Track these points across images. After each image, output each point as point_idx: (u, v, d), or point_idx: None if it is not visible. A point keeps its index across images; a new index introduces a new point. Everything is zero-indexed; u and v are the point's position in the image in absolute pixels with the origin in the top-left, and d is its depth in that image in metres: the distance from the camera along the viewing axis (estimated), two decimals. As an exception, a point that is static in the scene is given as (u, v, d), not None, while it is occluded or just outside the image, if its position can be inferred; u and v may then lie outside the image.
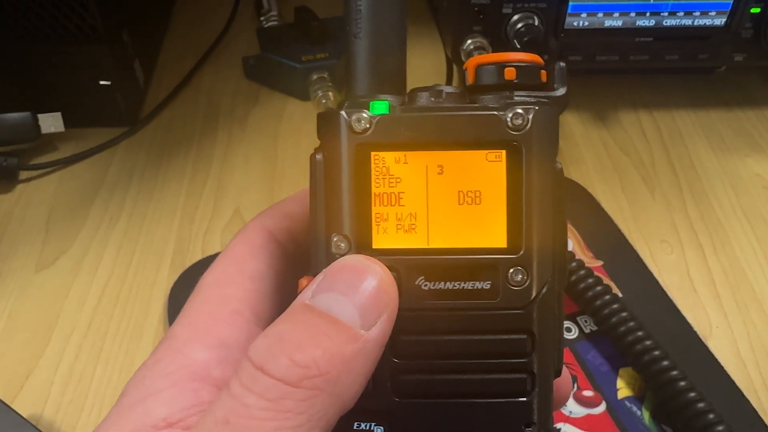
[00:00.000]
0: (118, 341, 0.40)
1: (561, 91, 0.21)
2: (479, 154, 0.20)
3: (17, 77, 0.50)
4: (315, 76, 0.54)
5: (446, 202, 0.20)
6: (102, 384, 0.38)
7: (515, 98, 0.21)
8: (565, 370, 0.23)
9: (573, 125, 0.53)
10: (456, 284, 0.20)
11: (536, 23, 0.47)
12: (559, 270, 0.20)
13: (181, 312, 0.21)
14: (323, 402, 0.17)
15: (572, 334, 0.40)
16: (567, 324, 0.40)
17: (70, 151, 0.51)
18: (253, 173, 0.50)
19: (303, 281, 0.20)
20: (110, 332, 0.41)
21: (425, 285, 0.20)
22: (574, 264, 0.39)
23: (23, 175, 0.50)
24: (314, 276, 0.20)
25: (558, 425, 0.36)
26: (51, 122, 0.50)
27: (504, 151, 0.20)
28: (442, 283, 0.20)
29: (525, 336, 0.20)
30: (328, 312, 0.18)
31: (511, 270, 0.20)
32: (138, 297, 0.43)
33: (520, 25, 0.47)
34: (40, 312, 0.42)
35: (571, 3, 0.47)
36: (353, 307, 0.18)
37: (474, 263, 0.20)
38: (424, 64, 0.59)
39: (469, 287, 0.20)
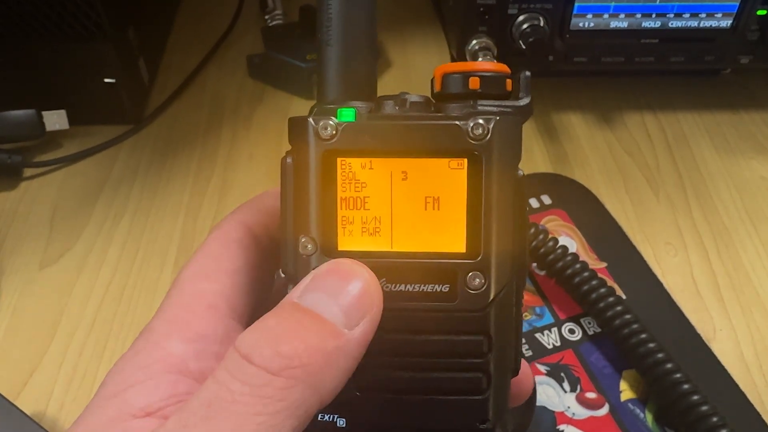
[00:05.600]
0: (122, 339, 0.41)
1: (525, 101, 0.22)
2: (442, 162, 0.20)
3: (22, 74, 0.50)
4: (320, 76, 0.54)
5: (410, 207, 0.21)
6: (105, 382, 0.38)
7: (478, 107, 0.21)
8: (525, 366, 0.24)
9: (577, 127, 0.53)
10: (416, 286, 0.21)
11: (542, 24, 0.47)
12: (518, 274, 0.21)
13: (160, 306, 0.22)
14: (302, 392, 0.18)
15: (576, 336, 0.40)
16: (571, 326, 0.40)
17: (75, 148, 0.51)
18: (258, 172, 0.50)
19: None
20: (114, 330, 0.41)
21: (387, 286, 0.21)
22: (578, 266, 0.39)
23: (28, 172, 0.50)
24: (286, 274, 0.21)
25: (561, 427, 0.36)
26: (56, 120, 0.50)
27: (465, 160, 0.20)
28: (403, 285, 0.21)
29: (481, 337, 0.21)
30: (314, 310, 0.19)
31: (470, 274, 0.20)
32: (142, 294, 0.43)
33: (525, 26, 0.47)
34: (44, 309, 0.42)
35: (576, 4, 0.47)
36: (338, 307, 0.19)
37: (434, 267, 0.21)
38: (429, 64, 0.59)
39: (429, 290, 0.21)
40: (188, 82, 0.57)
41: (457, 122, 0.20)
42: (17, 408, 0.34)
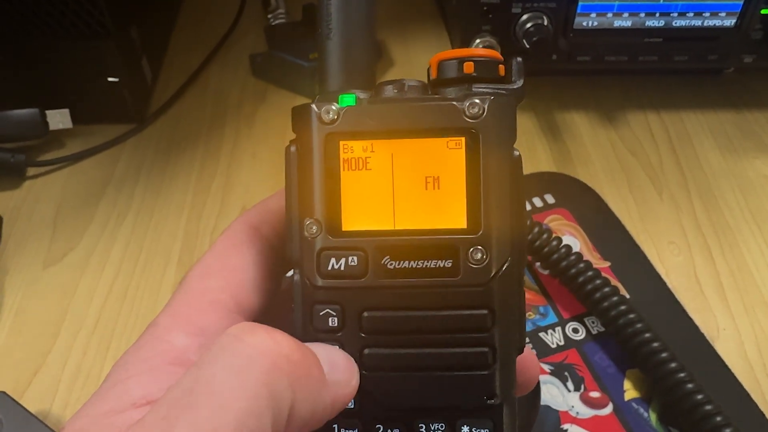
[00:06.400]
0: (126, 338, 0.41)
1: (518, 84, 0.22)
2: (440, 142, 0.21)
3: (25, 73, 0.50)
4: (323, 75, 0.54)
5: (411, 187, 0.21)
6: (109, 381, 0.39)
7: (473, 90, 0.22)
8: (530, 351, 0.24)
9: (581, 126, 0.53)
10: (419, 263, 0.21)
11: (545, 23, 0.47)
12: (518, 250, 0.22)
13: (166, 303, 0.22)
14: (285, 387, 0.18)
15: (579, 335, 0.40)
16: (574, 325, 0.40)
17: (78, 147, 0.51)
18: (261, 170, 0.50)
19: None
20: (118, 329, 0.41)
21: (390, 264, 0.21)
22: (582, 265, 0.39)
23: (31, 171, 0.50)
24: (291, 260, 0.21)
25: (565, 426, 0.36)
26: (59, 119, 0.50)
27: (463, 138, 0.21)
28: (407, 262, 0.21)
29: (486, 312, 0.21)
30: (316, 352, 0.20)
31: (471, 249, 0.21)
32: (146, 294, 0.43)
33: (529, 25, 0.47)
34: (48, 308, 0.42)
35: (580, 3, 0.47)
36: (329, 363, 0.20)
37: (436, 243, 0.21)
38: (432, 62, 0.58)
39: (432, 266, 0.21)
40: (191, 81, 0.57)
41: (453, 102, 0.21)
42: (22, 407, 0.34)
